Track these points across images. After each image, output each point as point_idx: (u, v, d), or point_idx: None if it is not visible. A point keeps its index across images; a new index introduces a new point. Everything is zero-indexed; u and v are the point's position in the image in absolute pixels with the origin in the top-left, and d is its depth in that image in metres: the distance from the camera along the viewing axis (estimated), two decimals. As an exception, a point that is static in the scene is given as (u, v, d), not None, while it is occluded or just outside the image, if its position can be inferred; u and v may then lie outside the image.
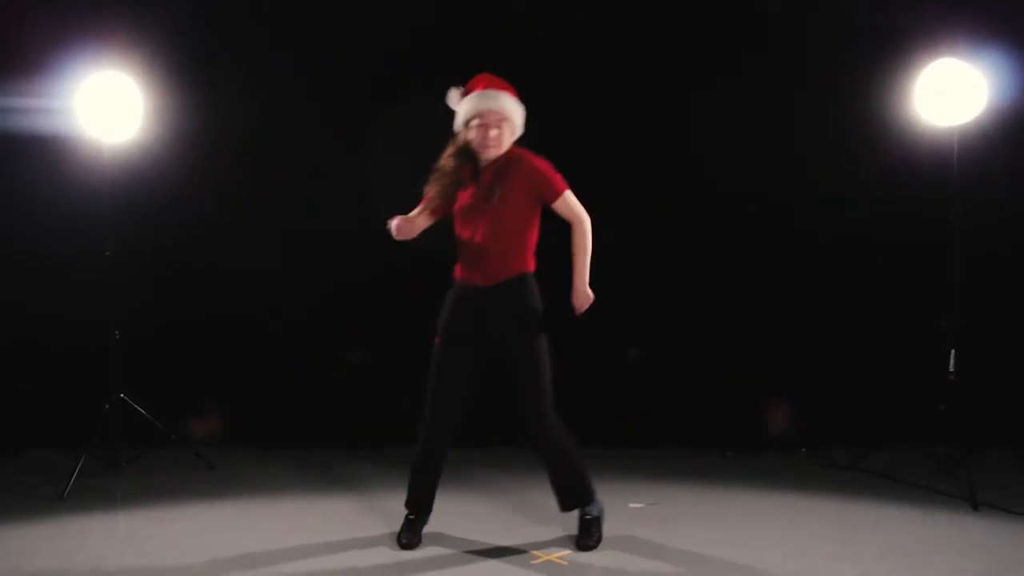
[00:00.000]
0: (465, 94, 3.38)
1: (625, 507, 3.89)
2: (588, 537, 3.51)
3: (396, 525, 3.71)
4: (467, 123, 3.36)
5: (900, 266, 4.94)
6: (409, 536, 3.52)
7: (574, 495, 3.54)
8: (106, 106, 4.49)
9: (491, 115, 3.33)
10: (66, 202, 4.88)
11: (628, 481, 3.63)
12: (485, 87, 3.37)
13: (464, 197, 3.42)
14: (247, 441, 5.09)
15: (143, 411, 4.64)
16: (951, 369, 4.39)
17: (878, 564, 3.37)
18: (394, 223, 3.37)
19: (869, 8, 4.77)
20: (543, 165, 3.41)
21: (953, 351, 4.38)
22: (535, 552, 3.51)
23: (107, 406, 4.55)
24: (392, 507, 3.96)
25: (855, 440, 4.80)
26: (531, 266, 3.44)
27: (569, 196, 3.39)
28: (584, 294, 3.35)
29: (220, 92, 4.95)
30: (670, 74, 4.95)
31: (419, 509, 3.56)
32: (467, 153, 3.40)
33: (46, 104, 4.61)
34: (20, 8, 4.81)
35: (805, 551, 3.49)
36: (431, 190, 3.45)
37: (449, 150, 3.42)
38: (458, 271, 3.50)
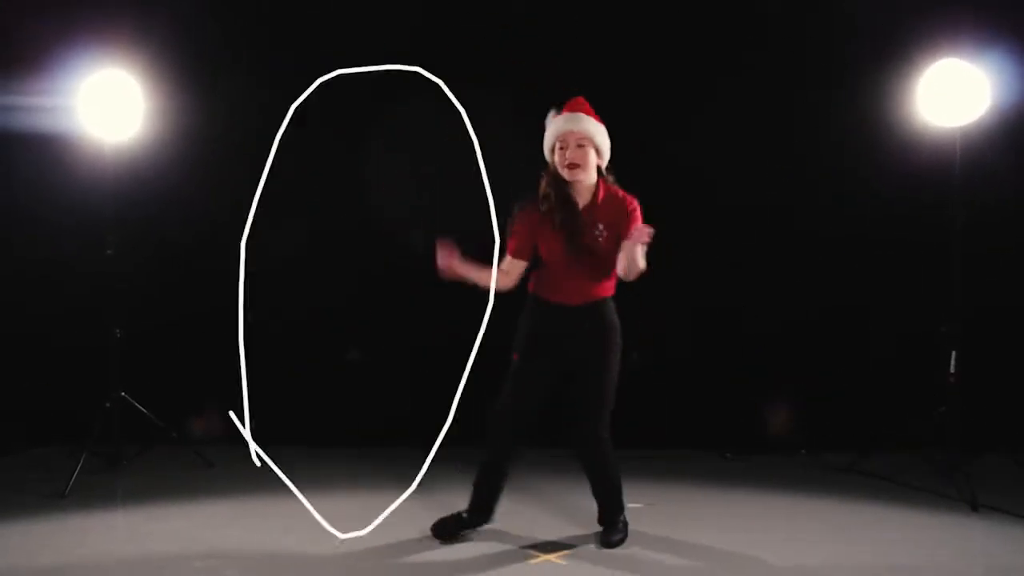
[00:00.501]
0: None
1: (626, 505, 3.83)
2: (613, 534, 3.56)
3: (395, 523, 3.69)
4: (552, 148, 3.40)
5: (901, 267, 4.93)
6: (447, 527, 3.56)
7: (609, 509, 3.63)
8: (108, 105, 4.50)
9: (571, 136, 3.34)
10: (68, 200, 4.88)
11: (627, 482, 3.61)
12: (568, 110, 3.40)
13: (549, 236, 3.43)
14: (253, 438, 4.97)
15: (143, 409, 4.65)
16: (951, 371, 4.39)
17: (875, 566, 3.37)
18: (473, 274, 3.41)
19: (871, 8, 4.76)
20: (638, 212, 3.44)
21: (954, 353, 4.39)
22: (533, 552, 3.52)
23: (107, 404, 4.56)
24: (396, 506, 3.92)
25: (855, 442, 4.79)
26: (613, 289, 3.53)
27: (641, 250, 3.35)
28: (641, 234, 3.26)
29: (221, 91, 4.96)
30: (669, 76, 4.95)
31: (476, 513, 3.61)
32: (559, 181, 3.40)
33: (48, 102, 4.61)
34: (22, 6, 4.82)
35: (804, 552, 3.50)
36: (520, 235, 3.44)
37: (544, 183, 3.43)
38: (542, 290, 3.51)
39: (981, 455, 4.57)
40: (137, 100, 4.57)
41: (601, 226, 3.38)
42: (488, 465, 3.55)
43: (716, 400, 5.04)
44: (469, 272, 3.39)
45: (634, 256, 3.28)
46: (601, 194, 3.42)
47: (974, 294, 4.52)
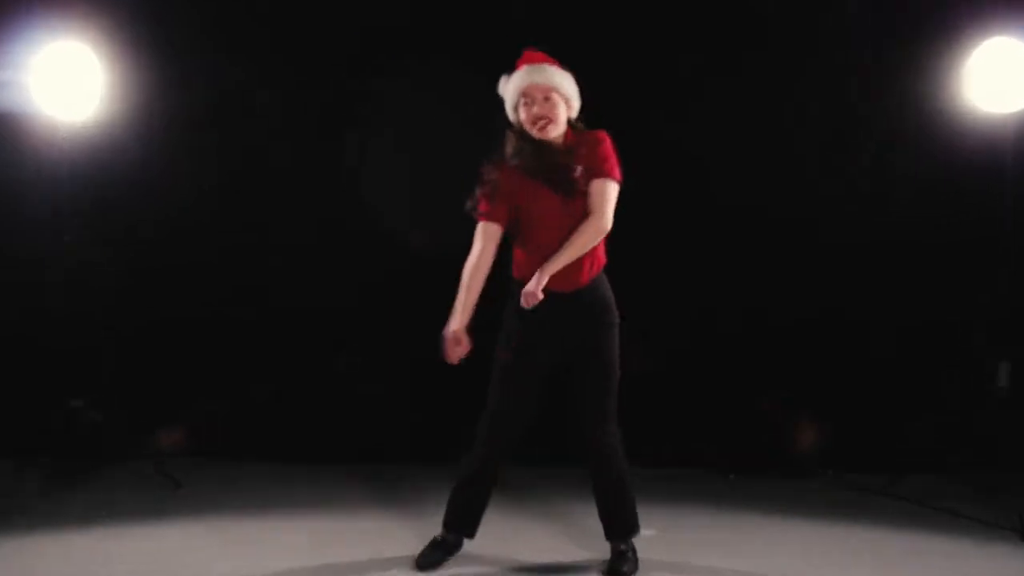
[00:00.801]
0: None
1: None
2: (621, 563, 3.35)
3: (383, 546, 3.64)
4: (515, 106, 3.21)
5: (944, 269, 4.74)
6: (430, 557, 3.38)
7: (619, 522, 3.39)
8: (63, 80, 4.34)
9: (536, 90, 3.16)
10: (18, 185, 4.67)
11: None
12: (527, 62, 3.22)
13: (534, 194, 3.20)
14: (220, 453, 4.89)
15: (100, 419, 4.55)
16: (1001, 384, 4.30)
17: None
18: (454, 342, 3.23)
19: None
20: (608, 143, 3.22)
21: (1005, 364, 4.29)
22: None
23: (63, 414, 4.50)
24: (381, 527, 3.92)
25: (888, 462, 4.62)
26: (604, 258, 3.30)
27: (610, 186, 3.17)
28: (537, 285, 3.12)
29: (189, 66, 4.75)
30: (682, 62, 4.76)
31: (455, 529, 3.41)
32: (527, 140, 3.21)
33: (-2, 77, 4.66)
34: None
35: None
36: (491, 193, 3.23)
37: (510, 144, 3.24)
38: (528, 275, 3.24)
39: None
40: (96, 75, 4.40)
41: (580, 168, 3.16)
42: (474, 475, 3.36)
43: (729, 415, 4.87)
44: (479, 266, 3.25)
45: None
46: (569, 138, 3.23)
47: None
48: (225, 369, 4.90)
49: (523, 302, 3.13)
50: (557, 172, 3.16)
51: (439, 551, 3.38)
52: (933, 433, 4.60)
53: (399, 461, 4.86)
